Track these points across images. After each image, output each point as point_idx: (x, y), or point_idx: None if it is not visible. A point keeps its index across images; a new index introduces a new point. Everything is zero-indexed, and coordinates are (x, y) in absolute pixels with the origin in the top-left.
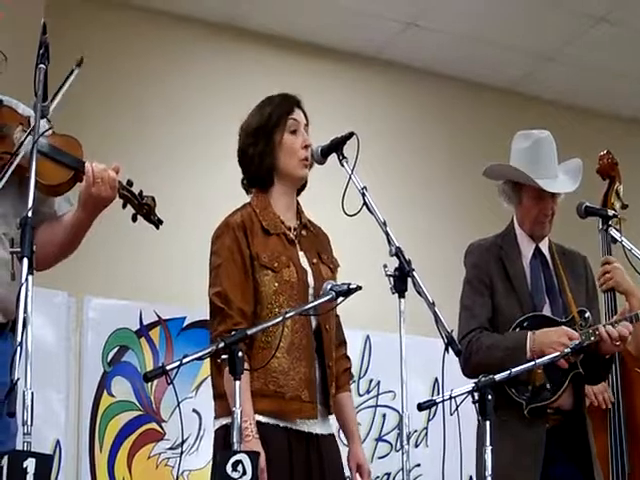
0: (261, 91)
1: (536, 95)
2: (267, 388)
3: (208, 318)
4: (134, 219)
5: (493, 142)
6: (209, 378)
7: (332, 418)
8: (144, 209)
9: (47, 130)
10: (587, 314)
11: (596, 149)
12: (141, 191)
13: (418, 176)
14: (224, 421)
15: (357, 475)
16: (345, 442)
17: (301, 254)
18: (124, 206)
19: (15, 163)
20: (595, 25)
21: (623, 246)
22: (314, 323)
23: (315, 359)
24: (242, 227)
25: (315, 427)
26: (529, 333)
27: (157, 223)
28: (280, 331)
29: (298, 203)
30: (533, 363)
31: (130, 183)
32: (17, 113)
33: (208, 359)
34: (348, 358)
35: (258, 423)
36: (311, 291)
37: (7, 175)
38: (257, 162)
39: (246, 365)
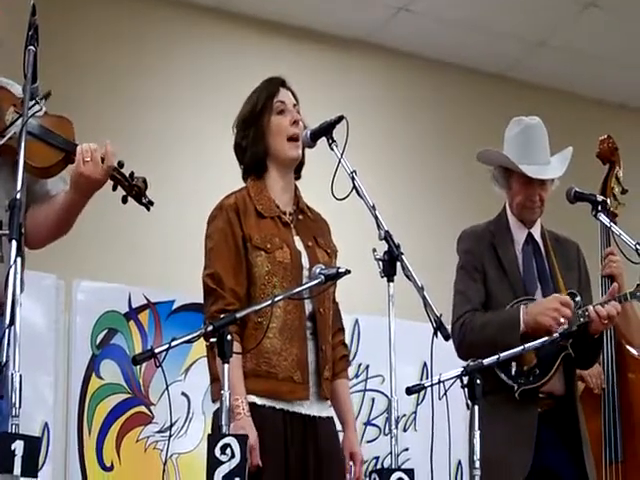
0: (252, 72)
1: (527, 81)
2: (260, 368)
3: (197, 301)
4: (124, 200)
5: (484, 127)
6: (198, 361)
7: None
8: (134, 190)
9: (37, 112)
10: (577, 297)
11: (584, 134)
12: (132, 172)
13: (409, 160)
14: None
15: (350, 462)
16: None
17: (296, 238)
18: (114, 188)
19: (1, 143)
20: (584, 10)
21: (612, 232)
22: (310, 306)
23: (309, 341)
24: (235, 209)
25: (312, 409)
26: (522, 306)
27: (147, 205)
28: (272, 312)
29: (296, 188)
30: (522, 348)
31: (121, 165)
32: (10, 93)
33: (203, 343)
34: (346, 345)
35: (254, 405)
36: (306, 273)
37: None
38: (250, 150)
39: (238, 346)
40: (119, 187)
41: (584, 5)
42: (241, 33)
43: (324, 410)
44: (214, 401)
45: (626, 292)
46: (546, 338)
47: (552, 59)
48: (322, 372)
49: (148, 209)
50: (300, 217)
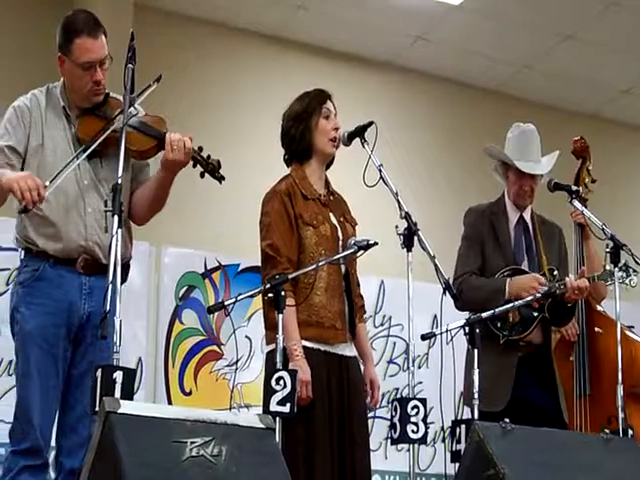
0: (299, 83)
1: (518, 96)
2: (310, 319)
3: (258, 265)
4: (202, 176)
5: (485, 133)
6: (258, 311)
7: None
8: (210, 167)
9: (134, 115)
10: (555, 272)
11: (561, 138)
12: (209, 155)
13: (424, 157)
14: (273, 346)
15: (369, 388)
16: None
17: (331, 215)
18: (194, 165)
19: (105, 134)
20: (562, 41)
21: (583, 214)
22: (343, 269)
23: (344, 296)
24: (287, 193)
25: (345, 350)
26: (507, 279)
27: (220, 179)
28: (318, 274)
29: (326, 175)
30: (512, 305)
31: (200, 149)
32: (119, 101)
33: (261, 297)
34: (362, 297)
35: (305, 348)
36: (340, 243)
37: (98, 142)
38: (298, 140)
39: (292, 301)
40: (198, 165)
41: (562, 37)
42: (295, 57)
43: (352, 350)
44: (268, 344)
45: (594, 274)
46: (531, 297)
47: (535, 80)
48: (355, 319)
49: (220, 182)
50: (331, 198)
